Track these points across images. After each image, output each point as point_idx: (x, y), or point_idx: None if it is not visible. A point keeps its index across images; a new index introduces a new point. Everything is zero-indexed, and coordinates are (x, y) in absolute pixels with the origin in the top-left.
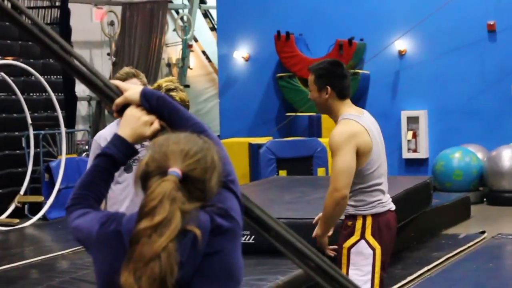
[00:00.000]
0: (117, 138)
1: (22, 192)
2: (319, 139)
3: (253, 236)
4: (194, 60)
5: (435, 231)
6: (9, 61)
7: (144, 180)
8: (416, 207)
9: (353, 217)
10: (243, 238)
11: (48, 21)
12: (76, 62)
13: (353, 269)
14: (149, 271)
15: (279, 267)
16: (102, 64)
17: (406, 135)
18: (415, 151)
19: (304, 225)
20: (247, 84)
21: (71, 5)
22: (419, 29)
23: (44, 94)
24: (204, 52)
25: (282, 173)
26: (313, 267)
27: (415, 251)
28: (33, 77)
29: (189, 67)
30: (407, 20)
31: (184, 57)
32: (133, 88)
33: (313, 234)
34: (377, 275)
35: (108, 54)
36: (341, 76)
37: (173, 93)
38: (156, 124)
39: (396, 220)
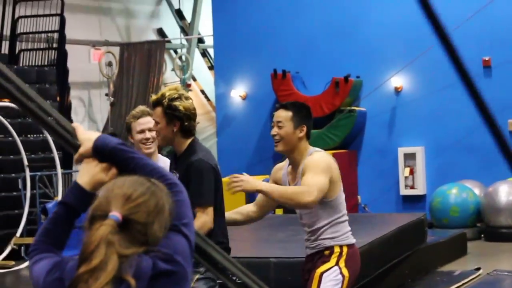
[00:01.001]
0: (75, 187)
1: (18, 234)
2: None
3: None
4: (193, 98)
5: (431, 268)
6: (6, 103)
7: (90, 224)
8: (410, 244)
9: (331, 248)
10: (235, 278)
11: (46, 63)
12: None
13: None
14: None
15: None
16: (100, 104)
17: (404, 171)
18: (412, 187)
19: (295, 264)
20: (244, 123)
21: (69, 46)
22: (415, 66)
23: (41, 135)
24: (202, 91)
25: (279, 211)
26: None
27: None
28: (30, 119)
29: None
30: (403, 57)
31: None
32: (86, 142)
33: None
34: None
35: (106, 95)
36: (311, 118)
37: (176, 103)
38: (114, 170)
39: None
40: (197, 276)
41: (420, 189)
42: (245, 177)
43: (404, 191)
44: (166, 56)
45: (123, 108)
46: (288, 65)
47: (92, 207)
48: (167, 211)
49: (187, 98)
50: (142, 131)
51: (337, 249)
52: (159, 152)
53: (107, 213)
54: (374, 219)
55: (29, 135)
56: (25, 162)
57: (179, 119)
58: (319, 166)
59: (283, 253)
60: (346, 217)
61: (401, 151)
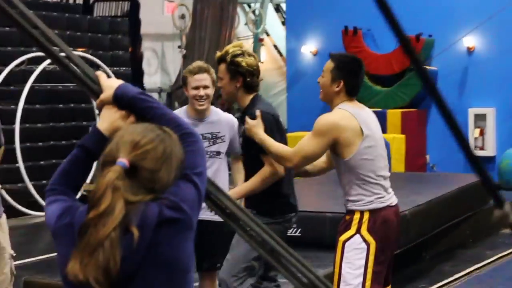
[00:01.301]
0: (94, 132)
1: (88, 180)
2: (383, 135)
3: (299, 229)
4: (265, 54)
5: (494, 230)
6: (78, 52)
7: (101, 169)
8: (472, 205)
9: (351, 212)
10: (290, 231)
11: (118, 14)
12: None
13: (346, 262)
14: (94, 259)
15: (322, 260)
16: (173, 56)
17: (473, 132)
18: (482, 148)
19: None
20: (314, 79)
21: None
22: (489, 25)
23: None
24: (275, 46)
25: None
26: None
27: (470, 248)
28: (101, 68)
29: (260, 61)
30: (477, 16)
31: (255, 51)
32: (107, 89)
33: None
34: (369, 270)
35: (179, 47)
36: (357, 75)
37: (239, 59)
38: (132, 118)
39: (398, 215)
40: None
41: (489, 151)
42: (256, 123)
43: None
44: (239, 10)
45: (195, 61)
46: (359, 22)
47: (103, 153)
48: (176, 159)
49: (250, 55)
50: (197, 88)
51: (357, 215)
52: (230, 112)
53: (116, 159)
54: (438, 179)
55: None
56: (96, 111)
57: (242, 75)
58: (316, 129)
59: (339, 208)
60: (374, 180)
61: (472, 111)
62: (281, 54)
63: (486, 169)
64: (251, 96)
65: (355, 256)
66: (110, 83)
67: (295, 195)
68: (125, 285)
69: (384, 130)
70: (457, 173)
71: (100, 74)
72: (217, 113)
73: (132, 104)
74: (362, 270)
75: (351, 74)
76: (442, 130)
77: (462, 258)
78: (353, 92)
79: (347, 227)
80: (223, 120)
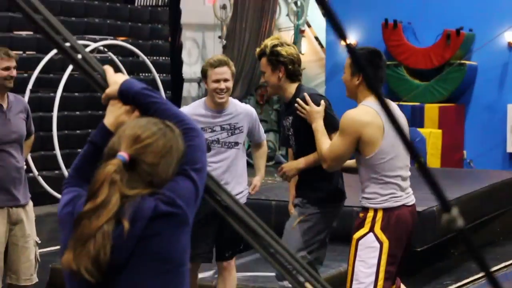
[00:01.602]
0: (101, 127)
1: None
2: (419, 129)
3: None
4: (306, 45)
5: None
6: (116, 41)
7: (103, 162)
8: (503, 202)
9: (365, 210)
10: None
11: (159, 4)
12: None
13: (359, 260)
14: (85, 250)
15: (347, 254)
16: (214, 46)
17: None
18: None
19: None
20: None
21: None
22: None
23: (150, 74)
24: (316, 38)
25: None
26: (267, 250)
27: (499, 246)
28: (140, 58)
29: (300, 52)
30: None
31: (296, 42)
32: (113, 84)
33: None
34: (382, 269)
35: (220, 37)
36: (377, 67)
37: (278, 48)
38: (136, 112)
39: (413, 215)
40: (301, 218)
41: None
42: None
43: (511, 149)
44: (280, 1)
45: (235, 51)
46: (400, 15)
47: (106, 147)
48: (177, 154)
49: (288, 45)
50: (217, 81)
51: (370, 213)
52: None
53: (116, 153)
54: (472, 175)
55: (140, 74)
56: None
57: (283, 64)
58: (341, 127)
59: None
60: (391, 179)
61: (511, 107)
62: (322, 46)
63: (430, 171)
64: (295, 85)
65: (368, 254)
66: (115, 78)
67: (343, 183)
68: (116, 275)
69: (421, 125)
70: (492, 169)
71: (107, 69)
72: (235, 105)
73: (136, 99)
74: (375, 269)
75: (369, 66)
76: (481, 126)
77: (491, 255)
78: (373, 86)
79: (361, 225)
80: (241, 111)
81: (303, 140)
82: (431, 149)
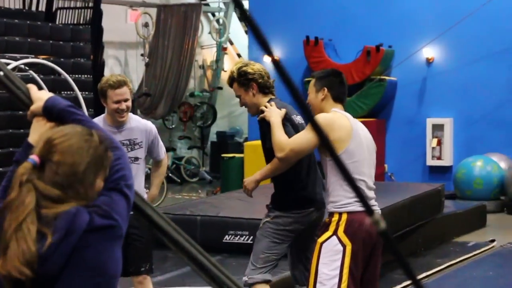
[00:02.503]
0: (26, 145)
1: None
2: None
3: (251, 237)
4: (228, 62)
5: (446, 238)
6: (37, 59)
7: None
8: (424, 214)
9: (331, 214)
10: (243, 239)
11: (81, 22)
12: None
13: (322, 263)
14: (9, 253)
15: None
16: (136, 64)
17: (431, 142)
18: (439, 158)
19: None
20: (276, 88)
21: (106, 6)
22: (448, 37)
23: (73, 92)
24: (239, 55)
25: None
26: (197, 265)
27: (421, 257)
28: (62, 76)
29: (223, 70)
30: (436, 27)
31: (218, 60)
32: (37, 101)
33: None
34: (345, 271)
35: (142, 55)
36: (339, 82)
37: (244, 68)
38: None
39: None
40: (267, 219)
41: (446, 160)
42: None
43: (430, 162)
44: (203, 19)
45: (157, 69)
46: (321, 32)
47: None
48: (96, 160)
49: (253, 64)
50: (118, 102)
51: (335, 217)
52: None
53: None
54: (393, 187)
55: (62, 92)
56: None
57: (253, 80)
58: (309, 125)
59: None
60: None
61: (430, 121)
62: None
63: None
64: (267, 99)
65: (331, 257)
66: (40, 95)
67: (314, 191)
68: (50, 286)
69: None
70: (413, 182)
71: (31, 87)
72: (135, 120)
73: (61, 116)
74: (338, 271)
75: (332, 81)
76: (401, 140)
77: (412, 266)
78: (338, 98)
79: (326, 229)
80: (141, 127)
81: (269, 147)
82: None
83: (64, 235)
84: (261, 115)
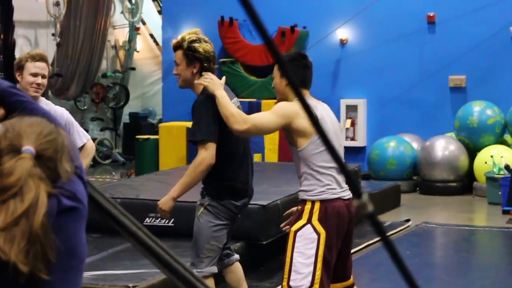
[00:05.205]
0: None
1: None
2: None
3: (172, 220)
4: (141, 43)
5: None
6: None
7: (4, 157)
8: None
9: (303, 202)
10: (163, 221)
11: None
12: None
13: (297, 252)
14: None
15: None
16: (47, 44)
17: (345, 123)
18: (353, 139)
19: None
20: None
21: None
22: (361, 19)
23: None
24: (151, 35)
25: None
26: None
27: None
28: None
29: (135, 50)
30: (350, 9)
31: (131, 40)
32: None
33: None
34: (320, 259)
35: (53, 35)
36: (304, 67)
37: (195, 44)
38: (2, 110)
39: (350, 210)
40: (201, 209)
41: (360, 141)
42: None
43: (344, 143)
44: None
45: (69, 49)
46: (235, 13)
47: (2, 143)
48: (70, 152)
49: (206, 41)
50: (36, 75)
51: (308, 205)
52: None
53: (19, 148)
54: None
55: None
56: None
57: (199, 61)
58: (276, 108)
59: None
60: (326, 170)
61: (344, 102)
62: (157, 43)
63: (341, 158)
64: None
65: (306, 246)
66: None
67: (247, 180)
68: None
69: None
70: None
71: None
72: (46, 104)
73: (2, 97)
74: (313, 259)
75: (296, 66)
76: None
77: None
78: (303, 83)
79: (299, 217)
80: (52, 111)
81: (199, 140)
82: (269, 144)
83: None
84: (204, 82)
